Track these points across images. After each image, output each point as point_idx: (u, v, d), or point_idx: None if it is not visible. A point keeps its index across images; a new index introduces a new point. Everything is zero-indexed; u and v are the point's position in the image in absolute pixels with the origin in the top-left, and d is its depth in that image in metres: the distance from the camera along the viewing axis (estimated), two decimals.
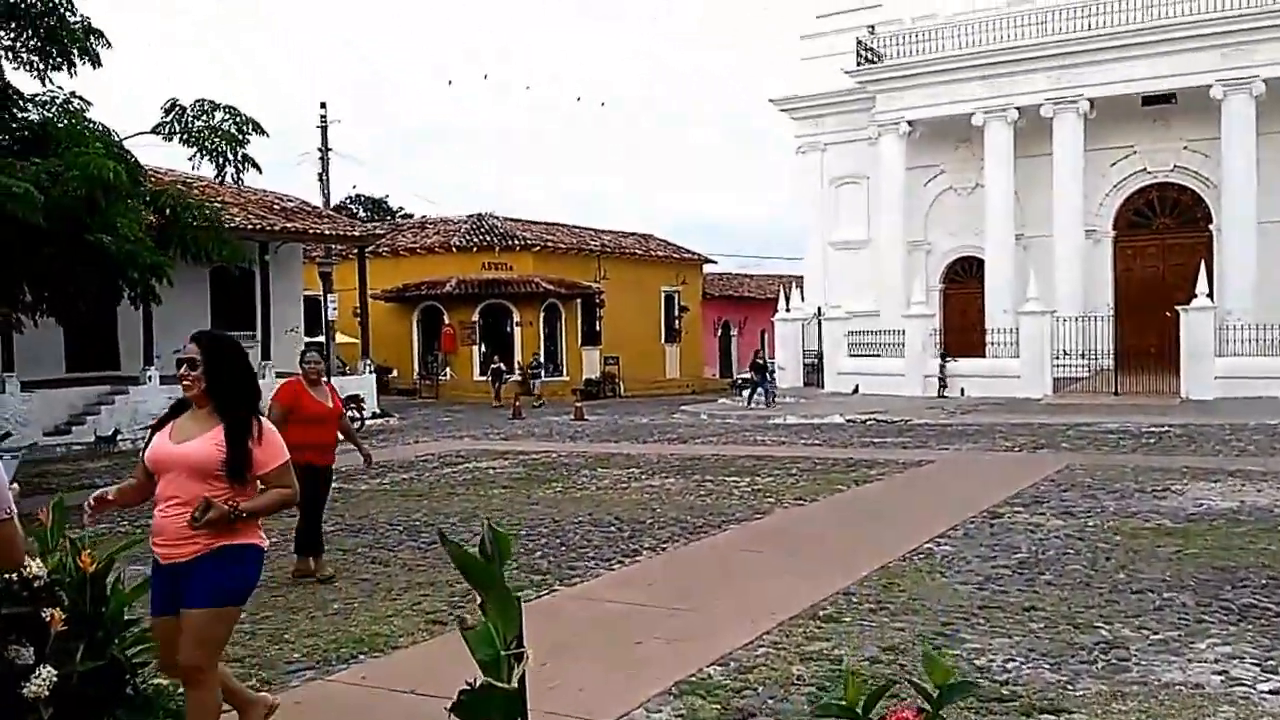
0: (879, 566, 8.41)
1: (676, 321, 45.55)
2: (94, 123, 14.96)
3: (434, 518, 11.64)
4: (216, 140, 15.45)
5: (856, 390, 28.10)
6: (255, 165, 15.83)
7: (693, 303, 46.32)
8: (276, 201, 29.27)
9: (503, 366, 34.74)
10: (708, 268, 48.59)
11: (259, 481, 4.16)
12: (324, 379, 8.79)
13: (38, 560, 4.09)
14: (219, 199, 27.99)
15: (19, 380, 22.71)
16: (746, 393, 29.25)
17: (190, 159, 15.73)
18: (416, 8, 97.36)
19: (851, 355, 29.70)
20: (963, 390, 26.97)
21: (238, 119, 15.61)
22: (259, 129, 15.79)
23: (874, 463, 16.01)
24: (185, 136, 15.52)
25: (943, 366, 27.91)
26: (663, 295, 45.18)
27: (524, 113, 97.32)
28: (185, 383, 4.23)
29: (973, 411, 25.09)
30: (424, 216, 45.69)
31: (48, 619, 4.00)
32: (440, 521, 11.32)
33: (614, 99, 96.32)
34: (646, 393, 40.83)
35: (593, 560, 9.07)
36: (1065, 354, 27.81)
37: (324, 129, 34.25)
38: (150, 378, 24.56)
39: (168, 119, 15.63)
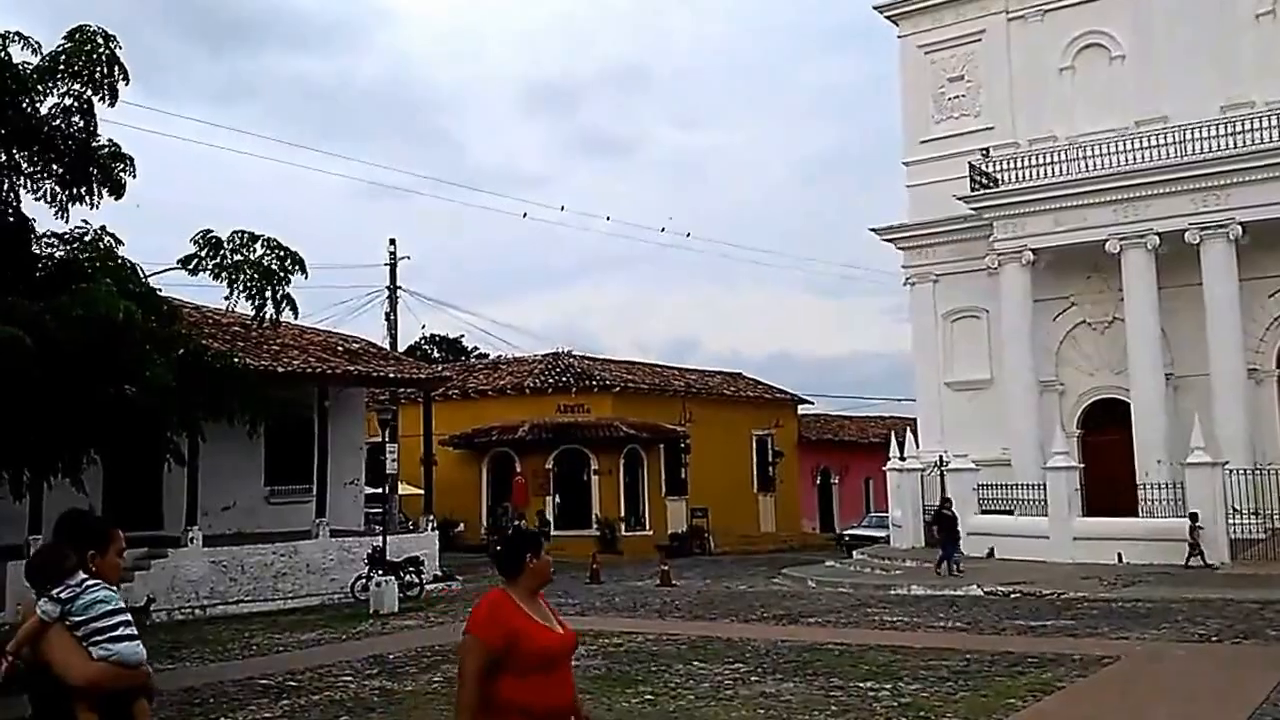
0: None
1: (770, 469, 41.95)
2: (121, 259, 12.95)
3: None
4: (254, 277, 13.20)
5: (991, 554, 24.19)
6: (293, 305, 13.60)
7: (788, 448, 42.77)
8: (340, 343, 27.15)
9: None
10: (803, 409, 45.16)
11: None
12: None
13: None
14: (278, 341, 26.20)
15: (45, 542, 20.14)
16: (939, 559, 23.37)
17: (226, 297, 13.50)
18: (492, 136, 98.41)
19: (982, 512, 25.82)
20: (1120, 556, 22.88)
21: (279, 253, 13.45)
22: (301, 266, 13.60)
23: (1042, 659, 12.54)
24: (218, 271, 13.30)
25: (1196, 530, 22.39)
26: (754, 440, 41.75)
27: (605, 248, 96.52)
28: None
29: (1136, 583, 21.07)
30: (499, 356, 43.54)
31: None
32: None
33: (699, 231, 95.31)
34: (739, 549, 37.09)
35: None
36: (1235, 512, 23.68)
37: (393, 266, 32.40)
38: (193, 539, 21.94)
39: (201, 251, 13.48)
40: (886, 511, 38.54)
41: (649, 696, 10.68)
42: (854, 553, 29.73)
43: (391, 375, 26.11)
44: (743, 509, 39.91)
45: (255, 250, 13.27)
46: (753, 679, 11.51)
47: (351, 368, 24.95)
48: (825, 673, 11.78)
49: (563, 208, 57.93)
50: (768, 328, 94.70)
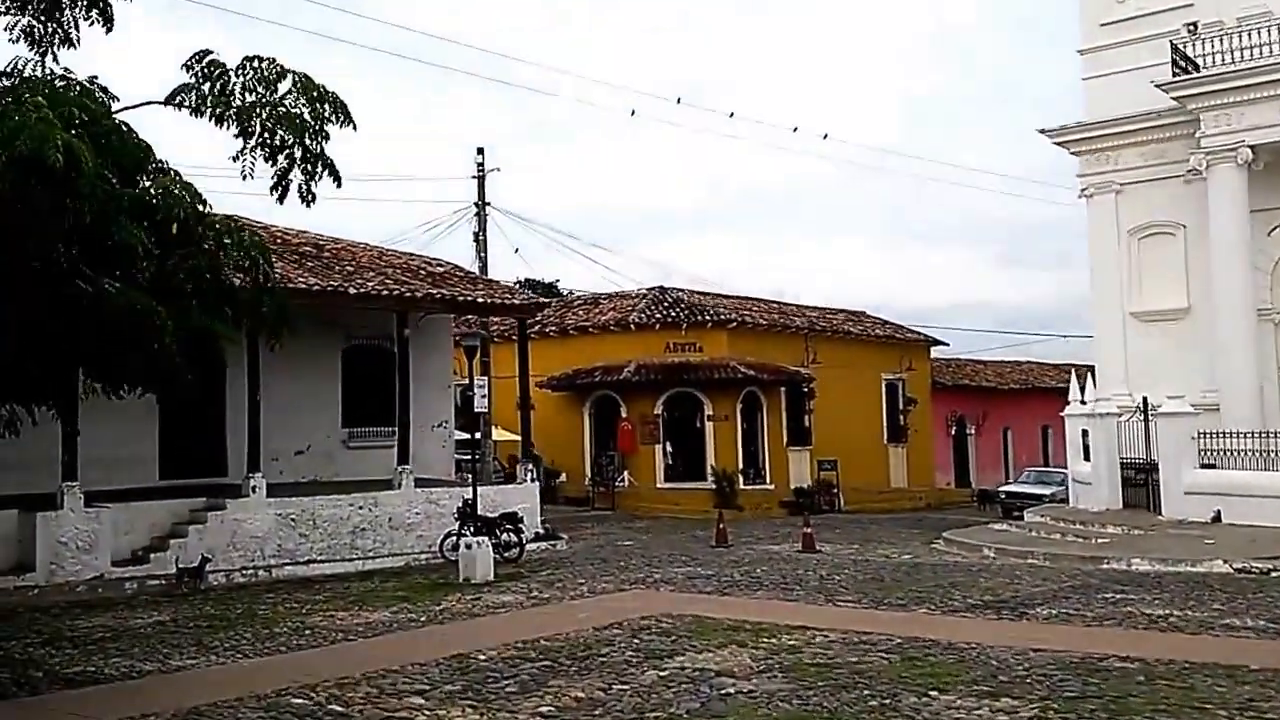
0: None
1: (902, 417, 37.34)
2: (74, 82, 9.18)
3: None
4: (274, 126, 9.17)
5: (1218, 517, 19.54)
6: (334, 171, 9.47)
7: (920, 394, 38.10)
8: (424, 266, 23.53)
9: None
10: (936, 351, 40.35)
11: None
12: None
13: None
14: (352, 262, 22.59)
15: (80, 492, 16.79)
16: None
17: (236, 157, 9.39)
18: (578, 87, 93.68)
19: (1203, 466, 21.06)
20: None
21: (312, 94, 9.30)
22: (344, 113, 9.44)
23: None
24: (220, 113, 9.27)
25: None
26: (884, 384, 37.18)
27: (691, 200, 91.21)
28: None
29: None
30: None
31: None
32: None
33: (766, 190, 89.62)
34: (870, 506, 32.75)
35: None
36: None
37: (481, 179, 28.33)
38: (255, 488, 18.59)
39: (196, 82, 9.47)
40: (1045, 465, 34.01)
41: None
42: (1024, 514, 25.19)
43: (481, 300, 22.32)
44: (872, 461, 35.50)
45: (279, 89, 9.24)
46: None
47: (435, 291, 21.28)
48: None
49: (679, 100, 52.76)
50: (858, 278, 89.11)
